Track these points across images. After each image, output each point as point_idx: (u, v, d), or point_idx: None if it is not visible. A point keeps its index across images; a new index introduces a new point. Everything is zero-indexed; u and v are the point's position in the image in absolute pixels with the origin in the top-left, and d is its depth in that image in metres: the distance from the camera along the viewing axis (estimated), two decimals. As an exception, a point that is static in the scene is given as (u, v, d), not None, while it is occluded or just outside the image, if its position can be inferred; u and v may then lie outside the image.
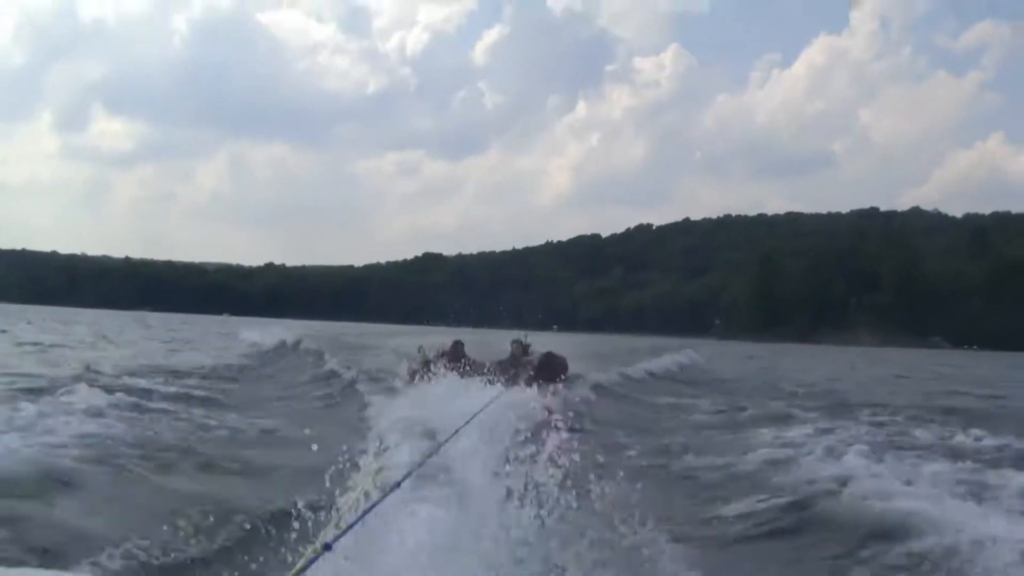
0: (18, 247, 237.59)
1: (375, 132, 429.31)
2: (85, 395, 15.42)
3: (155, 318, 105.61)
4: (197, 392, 20.32)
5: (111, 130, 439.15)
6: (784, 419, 19.00)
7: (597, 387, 23.59)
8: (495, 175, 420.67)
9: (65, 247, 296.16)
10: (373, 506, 5.24)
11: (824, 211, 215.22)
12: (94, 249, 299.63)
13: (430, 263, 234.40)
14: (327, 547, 4.25)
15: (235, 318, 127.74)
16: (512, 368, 20.21)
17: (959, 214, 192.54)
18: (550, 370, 20.93)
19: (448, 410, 10.20)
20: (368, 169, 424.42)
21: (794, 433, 15.90)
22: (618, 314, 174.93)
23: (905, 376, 41.99)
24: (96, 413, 13.60)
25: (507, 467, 7.59)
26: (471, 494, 6.96)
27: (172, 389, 19.91)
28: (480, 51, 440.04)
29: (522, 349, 23.29)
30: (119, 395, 16.36)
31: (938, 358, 75.23)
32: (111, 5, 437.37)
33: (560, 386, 19.87)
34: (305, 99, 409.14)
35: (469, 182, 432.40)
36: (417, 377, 19.58)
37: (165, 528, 8.12)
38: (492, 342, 30.13)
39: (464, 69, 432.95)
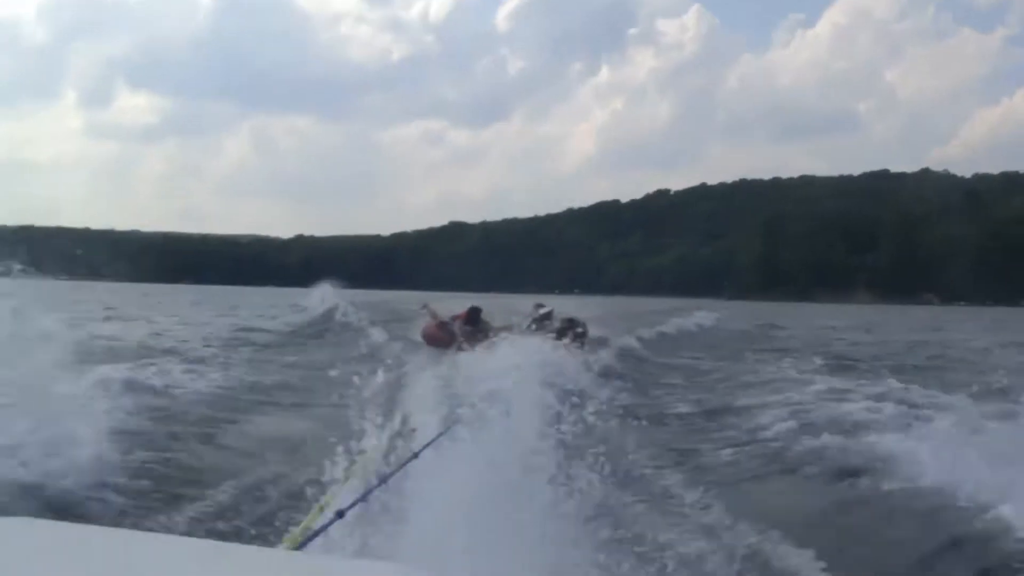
0: (52, 224, 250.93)
1: (399, 101, 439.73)
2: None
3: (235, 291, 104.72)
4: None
5: (135, 105, 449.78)
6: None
7: (619, 349, 23.30)
8: (519, 142, 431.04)
9: (96, 223, 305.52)
10: (390, 475, 5.30)
11: (837, 174, 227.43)
12: (123, 224, 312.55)
13: (456, 231, 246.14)
14: (340, 514, 4.34)
15: (280, 289, 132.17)
16: (536, 328, 20.97)
17: (969, 174, 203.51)
18: (570, 334, 21.82)
19: (479, 374, 9.64)
20: (393, 138, 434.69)
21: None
22: (638, 277, 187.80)
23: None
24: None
25: (545, 430, 7.50)
26: (501, 460, 6.61)
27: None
28: (503, 17, 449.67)
29: (544, 314, 24.33)
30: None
31: (895, 314, 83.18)
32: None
33: (583, 347, 20.65)
34: (329, 70, 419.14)
35: (493, 149, 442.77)
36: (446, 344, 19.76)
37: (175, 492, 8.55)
38: (517, 306, 32.25)
39: (487, 35, 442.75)
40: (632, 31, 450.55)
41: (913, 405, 13.05)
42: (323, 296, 45.69)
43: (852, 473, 9.65)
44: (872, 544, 7.81)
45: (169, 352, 20.44)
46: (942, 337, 39.49)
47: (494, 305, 32.17)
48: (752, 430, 12.69)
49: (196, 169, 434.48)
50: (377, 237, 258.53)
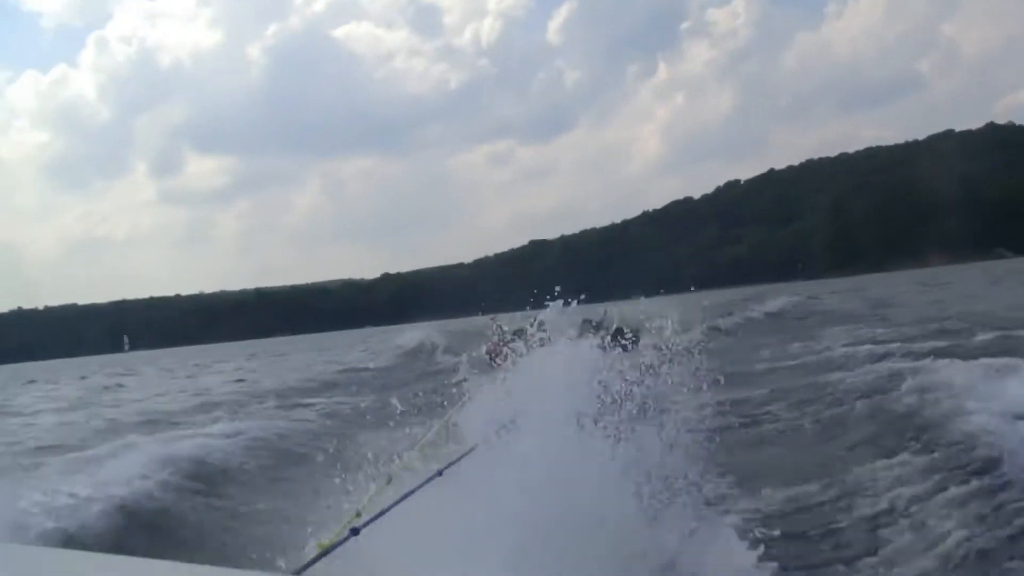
0: (144, 296, 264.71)
1: (462, 127, 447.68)
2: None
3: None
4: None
5: (204, 169, 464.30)
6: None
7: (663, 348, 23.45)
8: (586, 151, 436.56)
9: (184, 289, 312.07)
10: (408, 495, 5.39)
11: (903, 140, 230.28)
12: (210, 287, 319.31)
13: (536, 249, 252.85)
14: (355, 531, 4.50)
15: (379, 328, 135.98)
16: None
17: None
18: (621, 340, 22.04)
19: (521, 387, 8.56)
20: (461, 165, 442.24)
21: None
22: (718, 270, 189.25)
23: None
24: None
25: (566, 447, 7.26)
26: (517, 478, 6.59)
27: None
28: (554, 30, 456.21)
29: (593, 325, 24.35)
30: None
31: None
32: (186, 47, 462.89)
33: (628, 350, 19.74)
34: (388, 106, 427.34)
35: (562, 162, 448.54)
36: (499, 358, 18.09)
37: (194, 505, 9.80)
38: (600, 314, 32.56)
39: (541, 50, 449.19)
40: (684, 25, 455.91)
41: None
42: (412, 335, 49.13)
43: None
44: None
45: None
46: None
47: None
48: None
49: (273, 223, 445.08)
50: (460, 265, 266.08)
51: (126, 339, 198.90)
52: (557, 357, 9.10)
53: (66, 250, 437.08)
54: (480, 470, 6.60)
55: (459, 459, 6.56)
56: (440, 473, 6.00)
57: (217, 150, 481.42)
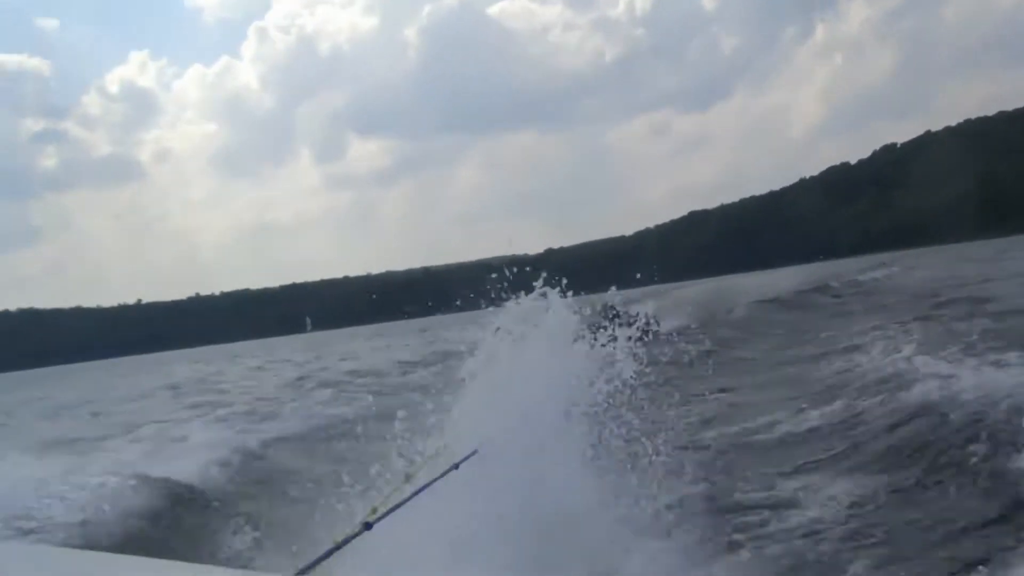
0: (315, 279, 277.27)
1: (620, 99, 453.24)
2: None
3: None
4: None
5: (367, 152, 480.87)
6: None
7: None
8: (744, 118, 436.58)
9: (352, 271, 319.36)
10: (420, 490, 5.55)
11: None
12: (377, 268, 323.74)
13: (696, 220, 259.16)
14: (367, 526, 4.60)
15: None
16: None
17: None
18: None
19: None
20: (620, 137, 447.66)
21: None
22: (872, 236, 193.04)
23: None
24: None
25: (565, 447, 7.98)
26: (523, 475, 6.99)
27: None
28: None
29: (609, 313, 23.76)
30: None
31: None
32: (344, 33, 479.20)
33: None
34: (545, 81, 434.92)
35: (720, 130, 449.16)
36: None
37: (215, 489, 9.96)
38: (733, 285, 34.31)
39: (695, 17, 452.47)
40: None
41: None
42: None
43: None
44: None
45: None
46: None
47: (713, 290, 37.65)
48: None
49: (435, 201, 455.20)
50: (621, 238, 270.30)
51: (308, 320, 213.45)
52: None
53: (237, 236, 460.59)
54: (486, 468, 6.82)
55: (469, 456, 6.76)
56: (456, 467, 6.29)
57: (378, 133, 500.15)
